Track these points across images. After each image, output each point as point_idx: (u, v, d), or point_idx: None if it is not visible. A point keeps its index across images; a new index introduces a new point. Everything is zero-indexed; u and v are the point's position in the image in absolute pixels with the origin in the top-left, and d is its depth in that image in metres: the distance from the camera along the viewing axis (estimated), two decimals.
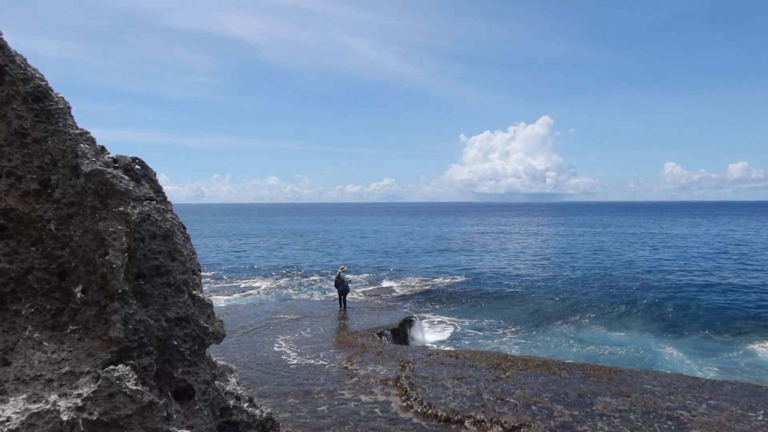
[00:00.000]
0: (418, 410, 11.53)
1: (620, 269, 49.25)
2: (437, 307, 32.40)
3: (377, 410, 11.58)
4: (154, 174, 4.99)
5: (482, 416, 10.94)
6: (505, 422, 10.60)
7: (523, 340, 24.30)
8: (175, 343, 4.44)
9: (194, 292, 4.74)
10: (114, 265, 4.02)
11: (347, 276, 25.29)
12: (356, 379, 13.92)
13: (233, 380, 5.14)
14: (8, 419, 3.46)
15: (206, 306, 4.82)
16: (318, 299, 32.14)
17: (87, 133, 4.50)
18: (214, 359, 5.04)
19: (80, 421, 3.64)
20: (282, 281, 43.54)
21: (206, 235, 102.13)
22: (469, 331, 26.15)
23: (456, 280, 43.39)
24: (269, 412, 5.33)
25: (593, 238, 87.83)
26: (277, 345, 17.86)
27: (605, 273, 46.62)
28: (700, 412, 11.05)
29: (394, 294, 36.50)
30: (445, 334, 25.43)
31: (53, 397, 3.66)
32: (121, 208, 4.22)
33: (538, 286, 40.68)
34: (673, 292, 37.28)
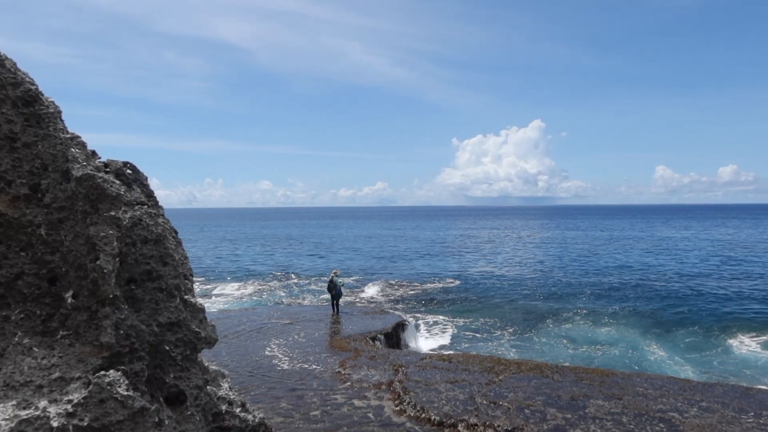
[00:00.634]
0: (412, 414, 11.52)
1: (612, 272, 49.48)
2: (430, 310, 32.40)
3: (370, 415, 11.55)
4: (146, 178, 4.97)
5: (475, 420, 10.94)
6: (498, 426, 10.61)
7: (516, 343, 24.34)
8: (167, 348, 4.42)
9: (186, 296, 4.72)
10: (105, 270, 4.00)
11: (340, 280, 25.26)
12: (349, 383, 13.89)
13: (225, 385, 5.12)
14: None
15: (198, 311, 4.80)
16: (310, 303, 32.04)
17: (78, 137, 4.49)
18: (206, 364, 5.02)
19: (71, 427, 3.61)
20: (274, 285, 43.38)
21: (198, 240, 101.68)
22: (462, 334, 26.15)
23: (449, 284, 43.42)
24: (262, 417, 5.31)
25: (585, 242, 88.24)
26: (269, 350, 17.80)
27: (597, 276, 46.82)
28: (691, 415, 11.12)
29: (387, 298, 36.46)
30: (438, 338, 25.42)
31: (43, 403, 3.63)
32: (112, 213, 4.20)
33: (530, 289, 40.78)
34: (665, 294, 37.50)
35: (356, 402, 12.38)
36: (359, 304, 30.70)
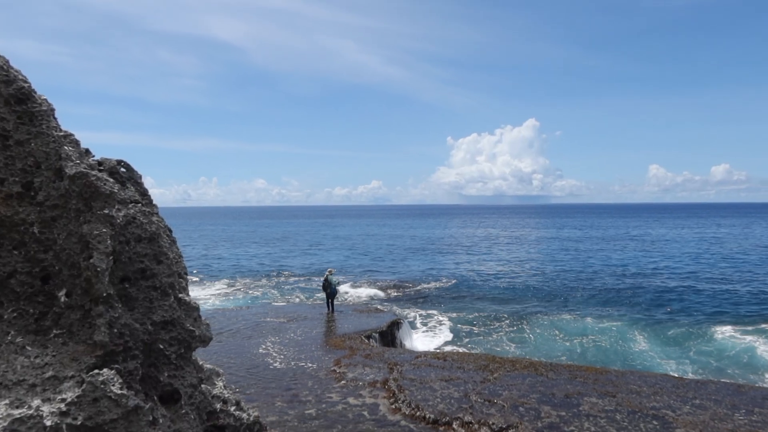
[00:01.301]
0: (407, 412, 11.54)
1: (606, 270, 49.71)
2: (425, 309, 32.45)
3: (365, 413, 11.57)
4: (140, 177, 4.96)
5: (470, 418, 10.97)
6: (493, 424, 10.64)
7: (511, 341, 24.43)
8: (161, 346, 4.41)
9: (180, 295, 4.72)
10: (98, 269, 3.99)
11: (335, 279, 25.25)
12: (344, 381, 13.90)
13: (220, 384, 5.12)
14: None
15: (192, 309, 4.80)
16: (305, 302, 32.04)
17: (71, 135, 4.47)
18: (200, 363, 5.02)
19: (64, 426, 3.60)
20: (269, 284, 43.34)
21: (193, 238, 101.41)
22: (457, 332, 26.22)
23: (444, 282, 43.49)
24: (256, 416, 5.31)
25: (579, 240, 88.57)
26: (264, 348, 17.78)
27: (591, 274, 47.02)
28: (684, 412, 11.19)
29: (382, 296, 36.49)
30: (433, 336, 25.47)
31: (36, 402, 3.62)
32: (106, 211, 4.18)
33: (525, 287, 40.92)
34: (658, 292, 37.71)
35: (351, 400, 12.39)
36: (354, 303, 30.71)
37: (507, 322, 28.68)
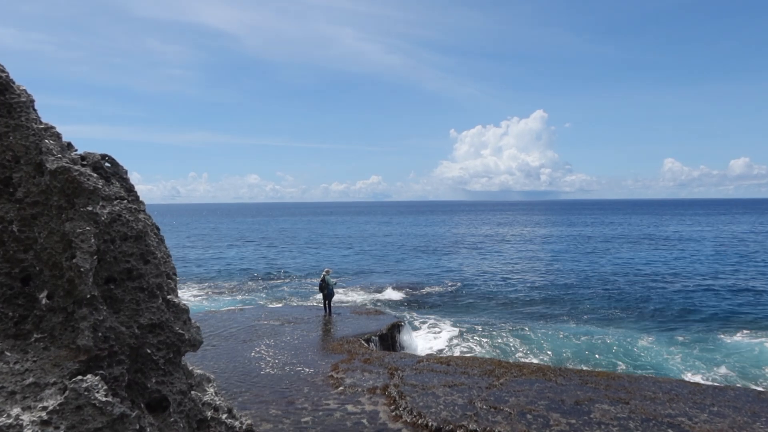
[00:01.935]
0: (408, 420, 11.55)
1: (618, 270, 49.74)
2: (427, 311, 32.49)
3: (364, 421, 11.58)
4: (126, 172, 4.95)
5: (475, 426, 10.98)
6: None
7: (517, 345, 24.46)
8: (149, 351, 4.41)
9: (169, 296, 4.71)
10: (82, 269, 3.98)
11: (332, 279, 25.25)
12: (342, 387, 13.91)
13: (211, 390, 5.11)
14: None
15: (182, 311, 4.79)
16: (301, 304, 32.05)
17: (52, 128, 4.46)
18: (190, 368, 5.01)
19: None
20: (263, 285, 43.39)
21: (182, 237, 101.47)
22: (461, 335, 26.25)
23: (447, 283, 43.52)
24: (249, 424, 5.31)
25: (590, 238, 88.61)
26: (258, 352, 17.80)
27: (603, 274, 47.05)
28: (702, 420, 11.20)
29: (382, 298, 36.52)
30: (436, 340, 25.50)
31: (16, 410, 3.61)
32: (90, 208, 4.17)
33: (533, 288, 40.95)
34: (674, 293, 37.74)
35: (349, 407, 12.40)
36: (353, 305, 30.74)
37: (513, 325, 28.70)
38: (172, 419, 4.50)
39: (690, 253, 63.16)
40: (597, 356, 22.62)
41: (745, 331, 27.37)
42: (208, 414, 4.90)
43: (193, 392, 4.80)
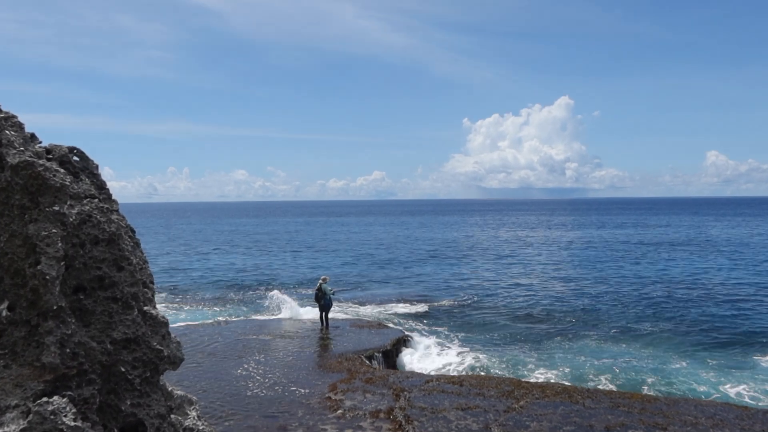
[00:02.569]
0: None
1: (653, 277, 49.64)
2: (437, 324, 32.45)
3: None
4: (96, 167, 4.96)
5: None
6: None
7: (539, 363, 24.39)
8: (123, 369, 4.41)
9: (146, 308, 4.71)
10: (47, 277, 3.98)
11: (330, 288, 25.25)
12: (341, 411, 13.91)
13: (193, 413, 5.11)
14: None
15: (160, 325, 4.79)
16: (294, 316, 32.05)
17: (13, 117, 4.46)
18: (170, 388, 5.01)
19: None
20: (252, 294, 43.44)
21: (160, 240, 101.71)
22: (475, 352, 26.19)
23: (459, 294, 43.48)
24: None
25: (621, 242, 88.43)
26: (245, 371, 17.82)
27: (636, 284, 46.94)
28: None
29: (386, 310, 36.51)
30: (447, 357, 25.46)
31: None
32: (56, 208, 4.18)
33: (555, 299, 40.89)
34: (716, 305, 37.61)
35: None
36: (353, 317, 30.74)
37: (533, 340, 28.65)
38: None
39: (735, 259, 62.94)
40: (626, 376, 22.56)
41: None
42: None
43: (172, 416, 4.80)
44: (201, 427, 5.04)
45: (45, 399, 3.75)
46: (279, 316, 29.74)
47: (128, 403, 4.45)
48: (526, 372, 23.47)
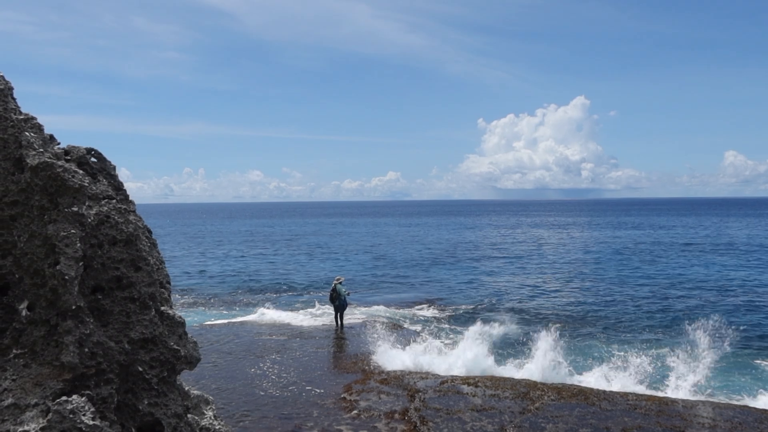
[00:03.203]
0: None
1: (670, 278, 49.16)
2: (452, 325, 32.34)
3: None
4: (114, 168, 5.00)
5: None
6: None
7: (555, 364, 24.22)
8: (140, 369, 4.44)
9: (163, 308, 4.74)
10: (66, 277, 4.02)
11: (344, 289, 25.26)
12: (356, 411, 13.91)
13: (210, 413, 5.14)
14: None
15: (177, 325, 4.82)
16: (310, 316, 32.13)
17: (33, 119, 4.51)
18: (186, 388, 5.04)
19: None
20: (267, 294, 43.57)
21: (176, 241, 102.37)
22: (491, 353, 26.07)
23: (475, 294, 43.34)
24: None
25: (638, 243, 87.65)
26: (261, 371, 17.87)
27: (653, 285, 46.48)
28: None
29: (401, 310, 36.44)
30: (462, 358, 25.34)
31: None
32: (75, 209, 4.21)
33: (572, 300, 40.62)
34: (735, 306, 37.15)
35: None
36: (367, 317, 30.74)
37: (549, 342, 28.47)
38: None
39: (753, 261, 62.13)
40: (644, 378, 22.33)
41: None
42: None
43: (189, 415, 4.83)
44: (217, 427, 5.06)
45: (64, 398, 3.78)
46: (293, 316, 29.80)
47: (145, 402, 4.48)
48: (541, 373, 23.32)
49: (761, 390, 21.22)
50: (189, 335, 4.95)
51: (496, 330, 31.59)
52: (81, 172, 4.44)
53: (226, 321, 29.45)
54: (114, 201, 4.63)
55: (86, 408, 3.81)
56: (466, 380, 17.16)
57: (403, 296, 42.19)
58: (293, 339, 22.52)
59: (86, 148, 4.84)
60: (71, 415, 3.72)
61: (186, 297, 42.57)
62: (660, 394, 17.51)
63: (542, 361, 22.53)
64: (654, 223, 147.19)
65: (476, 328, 26.59)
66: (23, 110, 4.53)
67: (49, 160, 4.22)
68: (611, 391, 16.44)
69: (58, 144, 4.71)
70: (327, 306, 29.58)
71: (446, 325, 32.44)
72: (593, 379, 21.09)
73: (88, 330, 4.09)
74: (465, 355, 23.90)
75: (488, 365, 23.82)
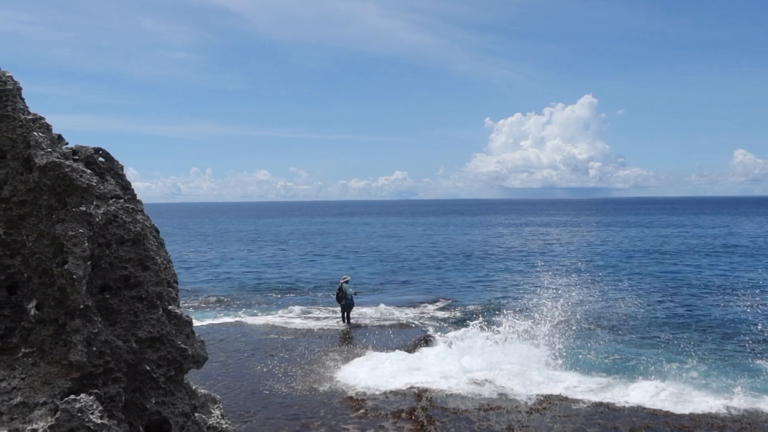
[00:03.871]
0: None
1: (679, 280, 48.91)
2: (459, 324, 32.28)
3: None
4: (121, 168, 5.01)
5: None
6: None
7: (563, 363, 24.16)
8: (148, 368, 4.45)
9: (170, 307, 4.75)
10: (75, 276, 4.04)
11: (351, 289, 25.28)
12: (363, 410, 13.92)
13: (217, 412, 5.15)
14: None
15: (185, 324, 4.83)
16: (316, 315, 32.17)
17: (41, 119, 4.53)
18: (194, 387, 5.05)
19: None
20: (274, 294, 43.65)
21: (184, 240, 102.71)
22: (498, 352, 26.01)
23: (482, 294, 43.27)
24: None
25: (648, 242, 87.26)
26: (268, 369, 17.91)
27: (666, 286, 46.26)
28: None
29: (408, 309, 36.43)
30: (469, 357, 25.32)
31: None
32: (83, 208, 4.23)
33: (582, 300, 40.45)
34: (747, 308, 36.92)
35: None
36: (375, 316, 30.76)
37: (558, 341, 28.40)
38: None
39: (760, 262, 61.72)
40: (652, 379, 22.26)
41: None
42: None
43: (197, 414, 4.84)
44: (224, 426, 5.08)
45: (72, 396, 3.80)
46: (301, 315, 29.86)
47: (153, 401, 4.49)
48: (550, 372, 23.26)
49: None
50: (196, 334, 4.97)
51: (503, 330, 31.56)
52: (89, 171, 4.46)
53: (233, 320, 29.52)
54: (122, 200, 4.65)
55: (94, 406, 3.83)
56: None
57: (410, 295, 42.17)
58: (300, 338, 22.56)
59: (94, 148, 4.86)
60: (79, 414, 3.74)
61: (193, 296, 42.70)
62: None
63: (547, 360, 22.47)
64: (664, 222, 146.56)
65: (483, 327, 26.54)
66: (32, 110, 4.55)
67: (57, 159, 4.24)
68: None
69: (66, 144, 4.73)
70: (334, 305, 29.63)
71: (453, 324, 32.40)
72: (603, 377, 21.02)
73: (96, 329, 4.11)
74: (472, 353, 23.87)
75: (495, 364, 23.79)
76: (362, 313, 31.07)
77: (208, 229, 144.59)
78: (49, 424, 3.71)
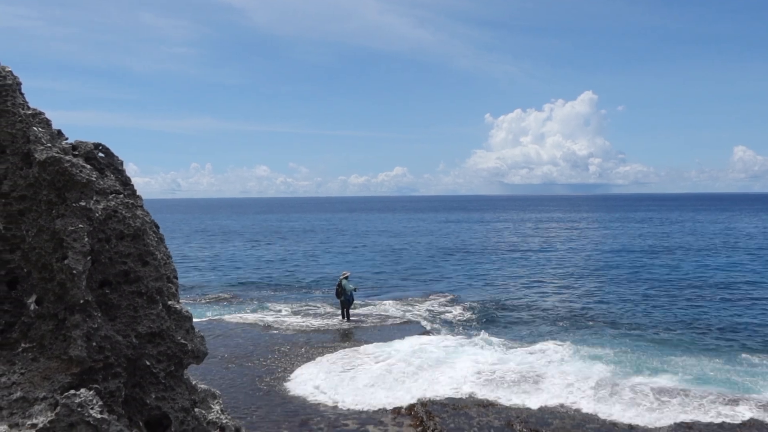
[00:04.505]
0: None
1: (682, 276, 48.92)
2: (460, 321, 32.35)
3: None
4: (121, 163, 5.01)
5: None
6: None
7: (562, 359, 24.22)
8: (148, 363, 4.46)
9: (170, 302, 4.76)
10: (74, 271, 4.04)
11: (350, 285, 25.30)
12: (363, 406, 13.96)
13: (217, 407, 5.16)
14: None
15: (184, 319, 4.84)
16: (316, 311, 32.22)
17: (41, 114, 4.53)
18: (194, 382, 5.06)
19: None
20: (274, 289, 43.70)
21: (183, 236, 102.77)
22: (498, 349, 26.08)
23: (483, 290, 43.30)
24: None
25: (652, 239, 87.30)
26: (268, 365, 17.95)
27: (667, 283, 46.29)
28: None
29: (408, 305, 36.49)
30: (469, 353, 25.39)
31: (2, 428, 3.68)
32: (83, 203, 4.23)
33: (584, 296, 40.52)
34: (750, 309, 36.97)
35: (371, 429, 12.44)
36: (375, 312, 30.81)
37: (557, 338, 28.44)
38: None
39: (761, 261, 61.75)
40: (656, 375, 22.31)
41: None
42: None
43: (196, 409, 4.85)
44: (224, 421, 5.09)
45: (72, 391, 3.81)
46: (300, 312, 29.90)
47: (153, 396, 4.50)
48: (548, 367, 23.31)
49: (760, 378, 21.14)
50: (196, 330, 4.97)
51: (504, 326, 31.59)
52: (88, 167, 4.46)
53: (233, 316, 29.57)
54: (121, 196, 4.65)
55: (94, 401, 3.84)
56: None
57: (410, 291, 42.20)
58: (300, 334, 22.60)
59: (94, 143, 4.85)
60: (79, 409, 3.75)
61: (193, 292, 42.75)
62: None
63: (547, 357, 22.53)
64: (664, 218, 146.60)
65: (484, 323, 26.63)
66: (31, 105, 4.55)
67: (56, 155, 4.24)
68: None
69: (66, 139, 4.73)
70: (334, 301, 29.68)
71: (454, 320, 32.45)
72: (604, 373, 21.06)
73: (96, 324, 4.11)
74: (472, 349, 23.91)
75: (496, 360, 23.84)
76: (362, 309, 31.12)
77: (208, 225, 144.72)
78: (49, 419, 3.72)
